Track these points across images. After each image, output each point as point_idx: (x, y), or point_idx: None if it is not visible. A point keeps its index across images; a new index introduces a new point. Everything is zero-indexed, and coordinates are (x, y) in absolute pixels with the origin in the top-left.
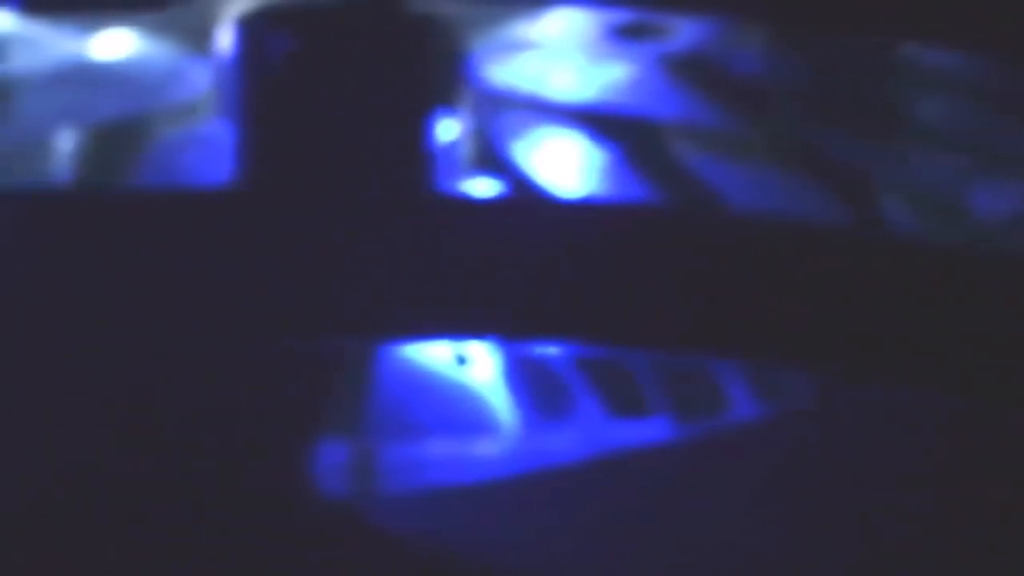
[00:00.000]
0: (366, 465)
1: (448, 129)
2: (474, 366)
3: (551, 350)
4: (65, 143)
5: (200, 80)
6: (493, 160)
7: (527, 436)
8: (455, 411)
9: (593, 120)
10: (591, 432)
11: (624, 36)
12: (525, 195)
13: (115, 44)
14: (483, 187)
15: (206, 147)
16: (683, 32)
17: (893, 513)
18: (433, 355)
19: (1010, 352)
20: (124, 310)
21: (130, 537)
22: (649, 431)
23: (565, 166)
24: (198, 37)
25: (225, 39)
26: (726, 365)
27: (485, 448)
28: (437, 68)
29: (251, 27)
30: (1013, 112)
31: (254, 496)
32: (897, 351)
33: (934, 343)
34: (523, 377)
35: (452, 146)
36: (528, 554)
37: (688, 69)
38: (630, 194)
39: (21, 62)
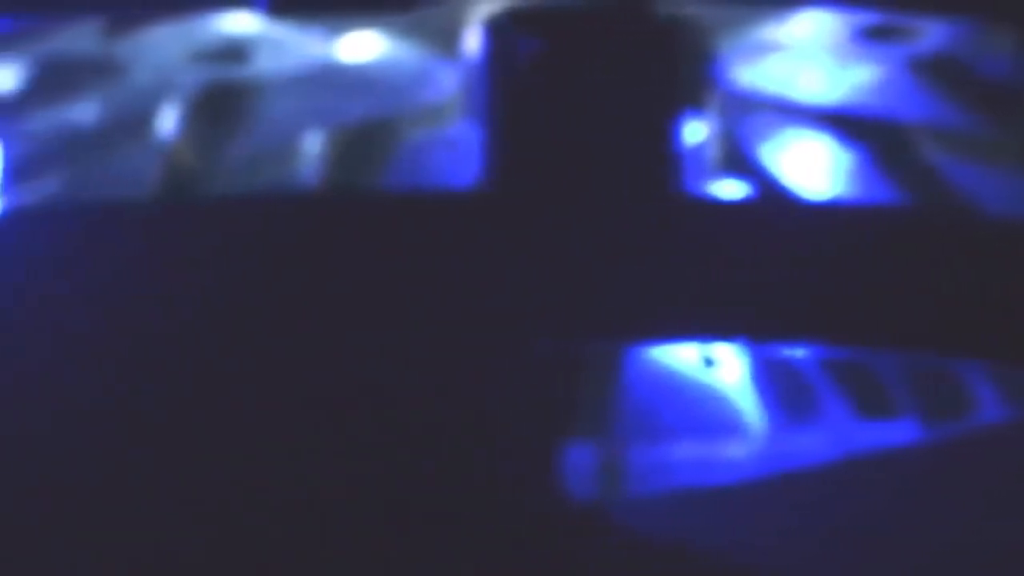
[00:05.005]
0: (614, 467)
1: (695, 131)
2: (721, 368)
3: (798, 352)
4: (312, 145)
5: (447, 82)
6: (740, 162)
7: (774, 438)
8: (702, 413)
9: (840, 122)
10: (838, 434)
11: (872, 38)
12: (772, 197)
13: (362, 47)
14: (730, 189)
15: (453, 149)
16: (931, 34)
17: None
18: (680, 357)
19: None
20: (370, 311)
21: (380, 536)
22: (896, 433)
23: (812, 168)
24: (445, 39)
25: (472, 41)
26: (974, 367)
27: (732, 450)
28: (685, 70)
29: (498, 29)
30: None
31: (504, 498)
32: None
33: None
34: (770, 379)
35: (699, 148)
36: (775, 555)
37: (936, 71)
38: (877, 196)
39: (268, 65)
